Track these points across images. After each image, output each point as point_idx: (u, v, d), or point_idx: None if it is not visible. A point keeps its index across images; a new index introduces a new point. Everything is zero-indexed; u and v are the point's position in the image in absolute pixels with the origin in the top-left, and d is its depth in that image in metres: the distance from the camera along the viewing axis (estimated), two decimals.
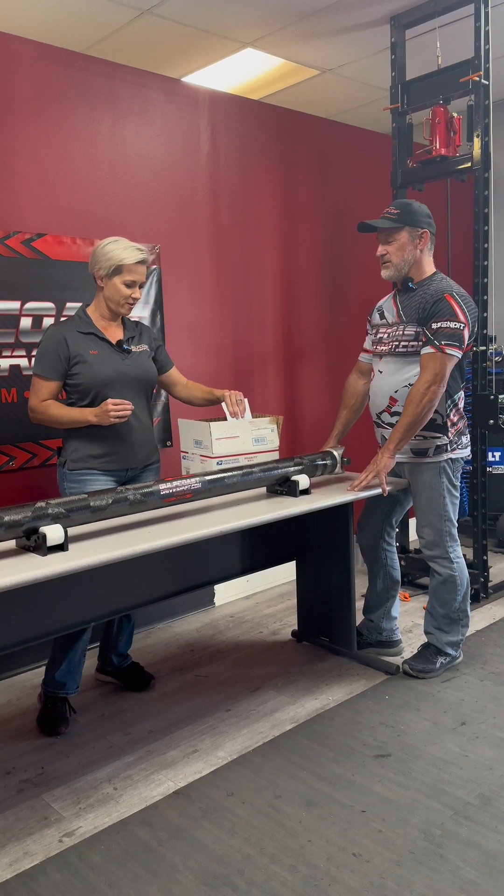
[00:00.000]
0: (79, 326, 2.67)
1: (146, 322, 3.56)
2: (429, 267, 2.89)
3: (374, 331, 3.04)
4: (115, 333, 2.73)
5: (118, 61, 3.46)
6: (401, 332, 2.85)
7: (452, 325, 2.72)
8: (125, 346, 2.71)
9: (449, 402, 2.85)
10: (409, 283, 2.87)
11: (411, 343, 2.81)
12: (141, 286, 2.69)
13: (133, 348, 2.74)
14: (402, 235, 2.81)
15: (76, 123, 3.30)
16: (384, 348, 2.92)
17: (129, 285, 2.64)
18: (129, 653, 3.05)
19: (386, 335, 2.92)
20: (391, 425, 2.89)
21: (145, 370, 2.77)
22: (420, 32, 3.58)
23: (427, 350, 2.74)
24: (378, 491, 2.79)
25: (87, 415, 2.57)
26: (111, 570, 2.32)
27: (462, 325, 2.72)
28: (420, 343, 2.78)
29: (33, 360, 2.75)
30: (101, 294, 2.69)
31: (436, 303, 2.75)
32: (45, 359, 2.63)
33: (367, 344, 3.11)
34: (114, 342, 2.70)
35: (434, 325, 2.73)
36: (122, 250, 2.61)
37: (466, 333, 2.75)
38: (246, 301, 4.04)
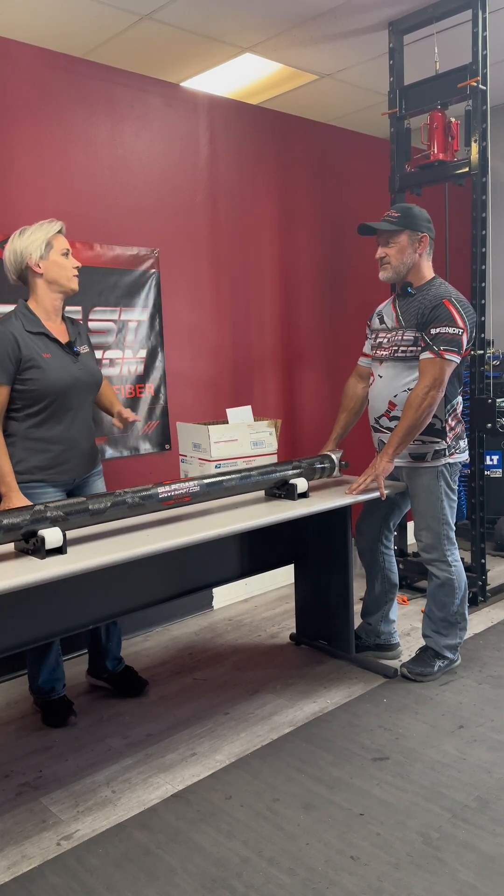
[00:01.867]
0: (26, 325, 2.48)
1: (145, 325, 3.58)
2: (427, 272, 2.90)
3: (373, 335, 3.04)
4: (60, 331, 2.58)
5: (117, 66, 3.48)
6: (400, 337, 2.86)
7: (451, 330, 2.72)
8: (75, 348, 2.57)
9: (447, 406, 2.86)
10: (409, 288, 2.88)
11: (410, 348, 2.82)
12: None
13: (80, 350, 2.61)
14: (402, 238, 2.82)
15: (75, 128, 3.31)
16: (384, 353, 2.92)
17: (66, 254, 2.54)
18: (127, 658, 3.05)
19: (385, 340, 2.93)
20: (390, 430, 2.90)
21: (94, 374, 2.65)
22: (418, 38, 3.60)
23: (426, 355, 2.75)
24: (376, 494, 2.79)
25: (7, 487, 2.41)
26: (110, 574, 2.32)
27: (460, 330, 2.73)
28: (419, 348, 2.79)
29: None
30: (38, 286, 2.52)
31: (434, 308, 2.76)
32: None
33: (367, 348, 3.12)
34: (63, 342, 2.56)
35: (433, 331, 2.74)
36: (38, 229, 2.50)
37: (465, 339, 2.76)
38: (245, 304, 4.05)
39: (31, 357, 2.45)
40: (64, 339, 2.58)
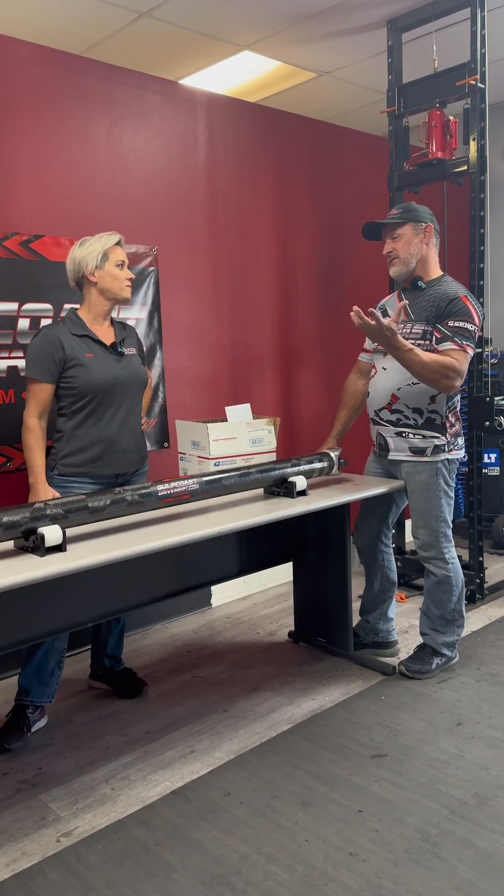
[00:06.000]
0: (72, 328, 2.64)
1: (144, 324, 3.57)
2: (436, 267, 2.92)
3: None
4: (107, 335, 2.71)
5: (116, 63, 3.47)
6: (408, 331, 2.86)
7: (469, 326, 2.75)
8: (119, 349, 2.69)
9: (448, 403, 2.87)
10: (419, 283, 2.89)
11: (418, 342, 2.81)
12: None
13: (125, 351, 2.72)
14: (406, 230, 2.85)
15: (74, 125, 3.31)
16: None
17: (121, 266, 2.67)
18: (125, 655, 3.05)
19: None
20: (391, 423, 2.91)
21: (138, 374, 2.75)
22: (417, 36, 3.60)
23: (448, 346, 2.74)
24: (374, 493, 2.81)
25: (35, 477, 2.55)
26: (109, 571, 2.32)
27: (476, 327, 2.77)
28: (427, 342, 2.79)
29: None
30: (91, 293, 2.67)
31: (452, 302, 2.77)
32: (38, 361, 2.58)
33: (368, 343, 3.12)
34: (108, 344, 2.68)
35: (451, 323, 2.75)
36: (97, 241, 2.65)
37: (477, 336, 2.78)
38: (243, 302, 4.05)
39: (74, 356, 2.58)
40: (109, 341, 2.69)
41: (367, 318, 2.59)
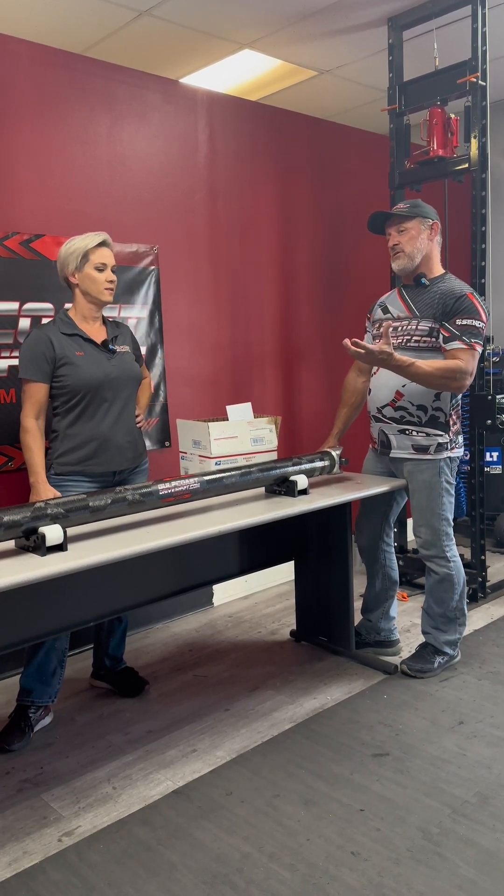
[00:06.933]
0: (62, 328, 2.64)
1: (144, 323, 3.57)
2: (439, 266, 2.93)
3: (374, 327, 3.04)
4: (98, 333, 2.71)
5: (116, 63, 3.47)
6: (414, 327, 2.85)
7: (477, 323, 2.76)
8: (110, 347, 2.69)
9: (452, 401, 2.87)
10: (423, 280, 2.89)
11: (425, 338, 2.81)
12: (113, 269, 2.68)
13: (117, 348, 2.72)
14: (414, 224, 2.85)
15: (75, 125, 3.31)
16: (392, 342, 2.90)
17: (101, 269, 2.64)
18: (127, 655, 3.04)
19: (391, 329, 2.92)
20: (394, 420, 2.90)
21: (130, 371, 2.75)
22: (417, 34, 3.59)
23: (456, 345, 2.74)
24: (375, 491, 2.80)
25: (36, 477, 2.55)
26: (110, 571, 2.32)
27: (483, 324, 2.77)
28: (434, 339, 2.79)
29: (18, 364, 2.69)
30: (76, 293, 2.68)
31: (459, 299, 2.77)
32: (31, 361, 2.59)
33: (367, 340, 3.12)
34: (98, 342, 2.68)
35: (459, 322, 2.75)
36: (81, 240, 2.64)
37: (484, 333, 2.79)
38: (244, 301, 4.05)
39: (65, 355, 2.59)
40: (99, 339, 2.69)
41: (356, 349, 2.62)
